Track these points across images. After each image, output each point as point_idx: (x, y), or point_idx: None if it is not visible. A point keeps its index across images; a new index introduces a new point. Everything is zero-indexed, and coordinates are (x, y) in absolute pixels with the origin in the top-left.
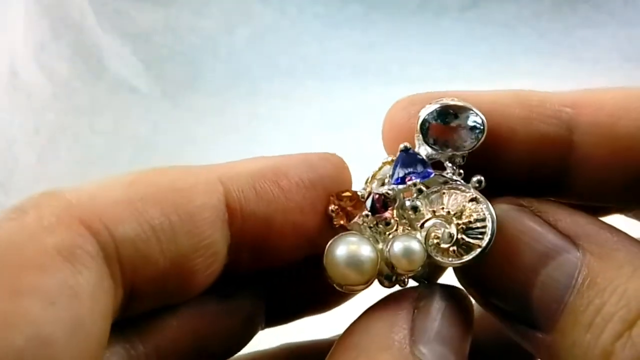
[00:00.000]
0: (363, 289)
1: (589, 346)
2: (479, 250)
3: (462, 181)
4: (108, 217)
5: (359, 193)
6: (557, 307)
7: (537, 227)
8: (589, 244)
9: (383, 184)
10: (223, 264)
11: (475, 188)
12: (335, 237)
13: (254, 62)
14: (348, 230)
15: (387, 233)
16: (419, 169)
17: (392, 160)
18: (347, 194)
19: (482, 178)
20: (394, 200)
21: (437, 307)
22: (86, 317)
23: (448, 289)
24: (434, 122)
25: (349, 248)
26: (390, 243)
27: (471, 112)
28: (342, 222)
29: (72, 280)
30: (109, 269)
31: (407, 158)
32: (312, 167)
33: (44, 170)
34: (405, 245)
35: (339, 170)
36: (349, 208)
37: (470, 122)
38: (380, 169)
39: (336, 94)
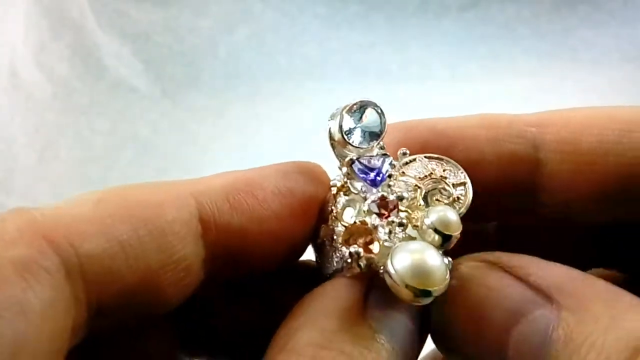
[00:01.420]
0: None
1: None
2: (469, 185)
3: (395, 160)
4: (73, 233)
5: (341, 226)
6: None
7: (506, 283)
8: (563, 297)
9: (353, 209)
10: (199, 278)
11: (404, 154)
12: (396, 246)
13: (254, 62)
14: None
15: (414, 224)
16: (380, 163)
17: (343, 186)
18: (359, 226)
19: (406, 149)
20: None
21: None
22: (31, 335)
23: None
24: (352, 121)
25: (417, 256)
26: (425, 219)
27: (366, 103)
28: (364, 261)
29: (22, 296)
30: (71, 286)
31: (362, 165)
32: (287, 176)
33: (44, 170)
34: (441, 214)
35: (316, 178)
36: (367, 241)
37: (373, 109)
38: (336, 202)
39: (336, 94)
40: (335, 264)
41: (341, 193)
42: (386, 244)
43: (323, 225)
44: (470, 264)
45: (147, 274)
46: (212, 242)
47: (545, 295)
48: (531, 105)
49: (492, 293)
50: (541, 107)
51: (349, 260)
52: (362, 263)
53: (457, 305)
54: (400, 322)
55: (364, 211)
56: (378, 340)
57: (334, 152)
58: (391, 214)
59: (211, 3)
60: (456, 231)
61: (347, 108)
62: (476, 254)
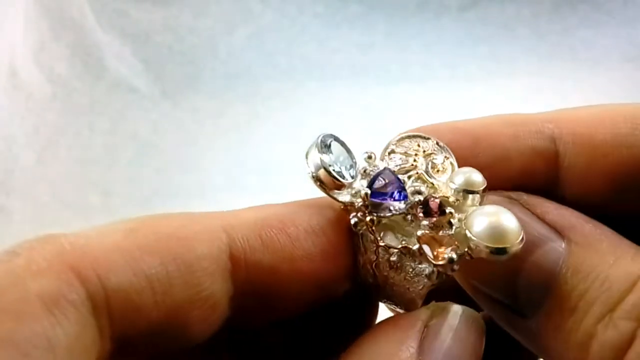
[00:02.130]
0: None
1: (572, 329)
2: (433, 139)
3: (374, 166)
4: (101, 264)
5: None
6: (542, 293)
7: (526, 217)
8: (574, 235)
9: (392, 232)
10: (225, 315)
11: (370, 158)
12: (471, 212)
13: (253, 62)
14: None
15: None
16: (390, 178)
17: (372, 221)
18: (427, 239)
19: (370, 151)
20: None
21: (447, 327)
22: None
23: (460, 308)
24: (328, 158)
25: (494, 219)
26: (451, 185)
27: (326, 137)
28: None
29: (50, 332)
30: (96, 320)
31: (377, 192)
32: (321, 212)
33: (43, 170)
34: (467, 176)
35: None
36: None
37: (335, 141)
38: (376, 237)
39: (336, 94)
40: (418, 283)
41: (372, 228)
42: (456, 230)
43: (375, 264)
44: (493, 198)
45: (174, 310)
46: (241, 279)
47: (558, 231)
48: (531, 105)
49: None
50: (541, 107)
51: (436, 271)
52: (456, 265)
53: None
54: None
55: (422, 225)
56: None
57: (329, 195)
58: (441, 208)
59: (211, 3)
60: (483, 185)
61: (319, 148)
62: (500, 191)
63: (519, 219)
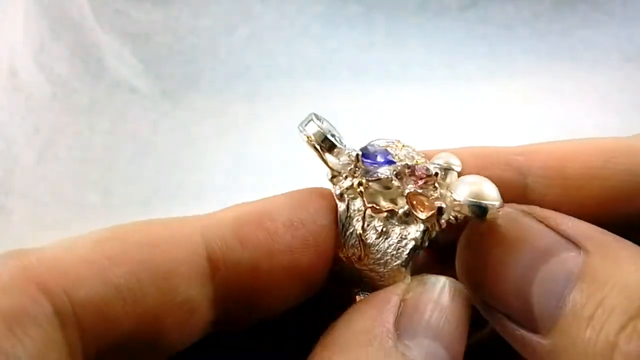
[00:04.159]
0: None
1: (590, 342)
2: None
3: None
4: (68, 278)
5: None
6: (557, 304)
7: (539, 227)
8: (591, 244)
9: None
10: (207, 319)
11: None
12: (456, 182)
13: (253, 62)
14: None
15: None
16: (378, 148)
17: (360, 184)
18: (416, 197)
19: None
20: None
21: (426, 299)
22: None
23: (439, 279)
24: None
25: (475, 187)
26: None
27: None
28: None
29: (10, 352)
30: (64, 337)
31: (369, 154)
32: (301, 205)
33: (43, 170)
34: (445, 159)
35: (330, 206)
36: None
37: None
38: (365, 202)
39: (336, 94)
40: (405, 247)
41: (361, 191)
42: (441, 192)
43: (361, 234)
44: (506, 209)
45: (147, 318)
46: (221, 281)
47: (573, 242)
48: (531, 105)
49: (523, 234)
50: (541, 107)
51: (423, 230)
52: (443, 219)
53: (488, 242)
54: (432, 350)
55: (409, 187)
56: None
57: (323, 159)
58: (428, 172)
59: (211, 3)
60: (460, 167)
61: (314, 119)
62: (512, 204)
63: (532, 228)
